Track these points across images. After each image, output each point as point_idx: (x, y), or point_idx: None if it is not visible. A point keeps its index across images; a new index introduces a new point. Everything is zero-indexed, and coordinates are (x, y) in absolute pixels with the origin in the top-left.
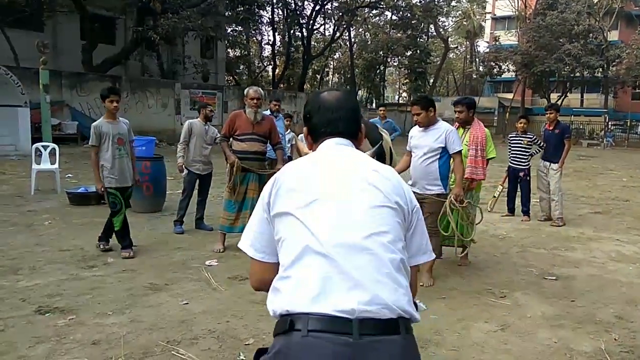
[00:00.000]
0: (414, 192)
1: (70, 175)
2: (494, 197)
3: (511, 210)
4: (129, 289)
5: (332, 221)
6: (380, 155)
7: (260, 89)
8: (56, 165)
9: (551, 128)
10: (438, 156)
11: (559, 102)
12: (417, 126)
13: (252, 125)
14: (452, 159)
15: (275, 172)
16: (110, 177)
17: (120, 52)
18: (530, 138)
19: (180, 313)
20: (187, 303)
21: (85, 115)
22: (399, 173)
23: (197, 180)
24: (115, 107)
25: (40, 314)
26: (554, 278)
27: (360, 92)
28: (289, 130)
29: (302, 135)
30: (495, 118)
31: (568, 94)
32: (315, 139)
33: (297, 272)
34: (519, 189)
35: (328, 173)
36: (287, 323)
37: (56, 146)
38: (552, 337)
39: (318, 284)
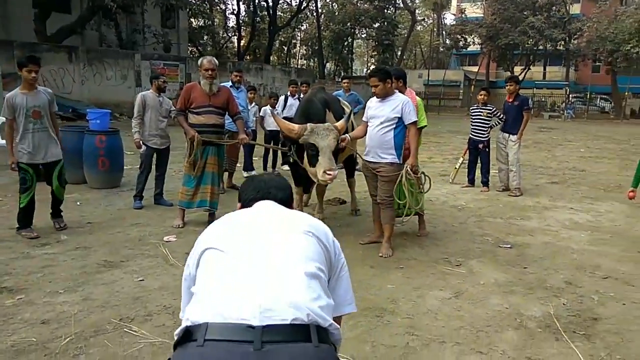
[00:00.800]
0: (368, 161)
1: None
2: (455, 168)
3: (471, 181)
4: (82, 266)
5: (248, 238)
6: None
7: (214, 59)
8: None
9: (511, 100)
10: (394, 126)
11: (522, 75)
12: (374, 97)
13: (208, 97)
14: (407, 130)
15: (237, 143)
16: (21, 152)
17: (76, 20)
18: (490, 110)
19: (134, 290)
20: (142, 280)
21: None
22: (354, 139)
23: (155, 155)
24: (34, 78)
25: None
26: (509, 246)
27: (328, 65)
28: (253, 103)
29: (267, 108)
30: (461, 91)
31: (531, 67)
32: (243, 207)
33: (203, 288)
34: (479, 161)
35: (254, 215)
36: (183, 333)
37: (3, 119)
38: (504, 303)
39: (221, 291)
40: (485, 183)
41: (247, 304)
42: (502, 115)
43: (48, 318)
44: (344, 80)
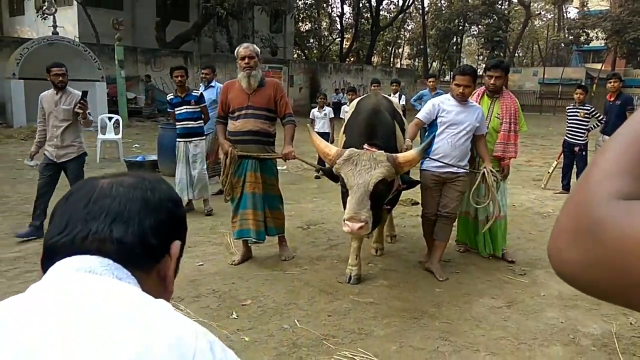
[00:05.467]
0: (445, 171)
1: (137, 145)
2: (548, 173)
3: (565, 188)
4: None
5: None
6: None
7: (252, 45)
8: (119, 136)
9: (612, 99)
10: (472, 134)
11: None
12: (451, 99)
13: (247, 96)
14: (476, 139)
15: (279, 157)
16: None
17: (191, 27)
18: (588, 110)
19: (192, 273)
20: (202, 264)
21: (159, 89)
22: (412, 140)
23: (57, 169)
24: None
25: None
26: None
27: (434, 64)
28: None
29: (315, 110)
30: None
31: None
32: (45, 264)
33: None
34: (574, 165)
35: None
36: None
37: (120, 117)
38: (560, 317)
39: None
40: None
41: None
42: (601, 116)
43: None
44: (430, 79)
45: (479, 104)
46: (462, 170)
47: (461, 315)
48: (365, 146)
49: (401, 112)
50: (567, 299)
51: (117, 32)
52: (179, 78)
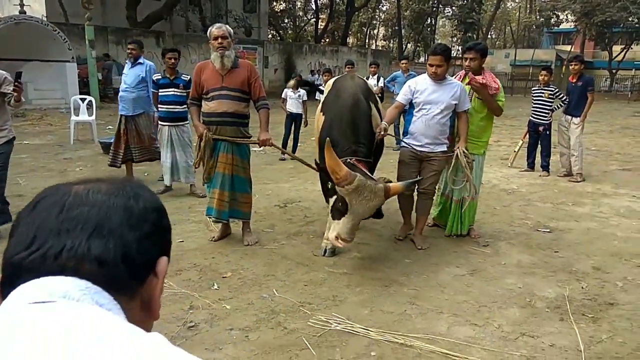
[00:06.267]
0: (421, 150)
1: (110, 127)
2: (514, 152)
3: (530, 166)
4: None
5: None
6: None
7: (225, 25)
8: (93, 117)
9: (574, 81)
10: (450, 114)
11: (621, 55)
12: (427, 79)
13: (221, 77)
14: (457, 117)
15: (255, 143)
16: None
17: (163, 6)
18: (552, 91)
19: (173, 249)
20: (182, 241)
21: None
22: (389, 124)
23: None
24: None
25: None
26: (548, 230)
27: (408, 46)
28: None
29: (287, 90)
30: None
31: (632, 46)
32: (5, 288)
33: None
34: (539, 144)
35: None
36: None
37: (93, 99)
38: (518, 282)
39: None
40: (545, 167)
41: None
42: (564, 97)
43: None
44: (402, 61)
45: None
46: (439, 150)
47: (428, 283)
48: (354, 161)
49: (378, 94)
50: (525, 267)
51: (87, 11)
52: (172, 60)
